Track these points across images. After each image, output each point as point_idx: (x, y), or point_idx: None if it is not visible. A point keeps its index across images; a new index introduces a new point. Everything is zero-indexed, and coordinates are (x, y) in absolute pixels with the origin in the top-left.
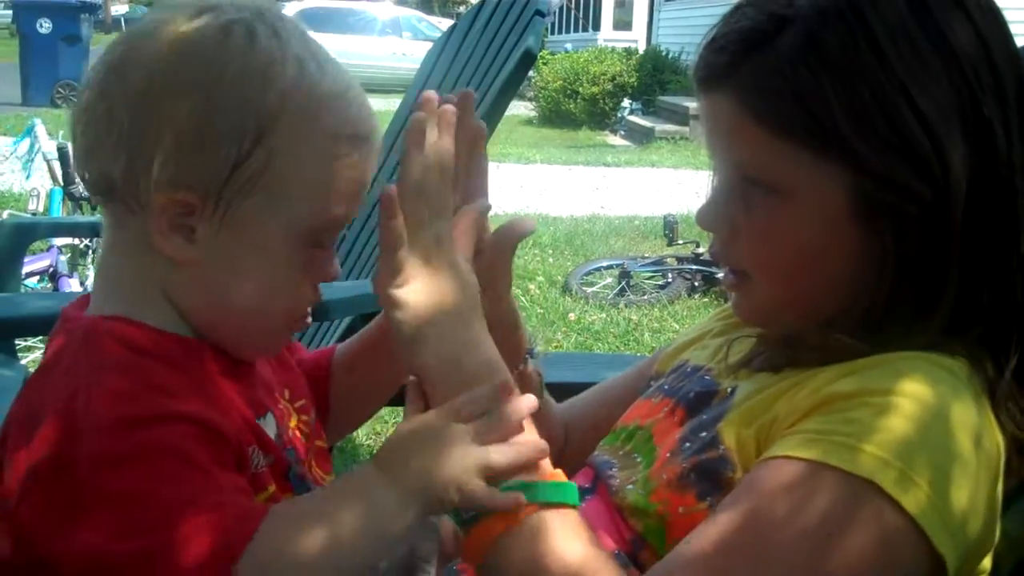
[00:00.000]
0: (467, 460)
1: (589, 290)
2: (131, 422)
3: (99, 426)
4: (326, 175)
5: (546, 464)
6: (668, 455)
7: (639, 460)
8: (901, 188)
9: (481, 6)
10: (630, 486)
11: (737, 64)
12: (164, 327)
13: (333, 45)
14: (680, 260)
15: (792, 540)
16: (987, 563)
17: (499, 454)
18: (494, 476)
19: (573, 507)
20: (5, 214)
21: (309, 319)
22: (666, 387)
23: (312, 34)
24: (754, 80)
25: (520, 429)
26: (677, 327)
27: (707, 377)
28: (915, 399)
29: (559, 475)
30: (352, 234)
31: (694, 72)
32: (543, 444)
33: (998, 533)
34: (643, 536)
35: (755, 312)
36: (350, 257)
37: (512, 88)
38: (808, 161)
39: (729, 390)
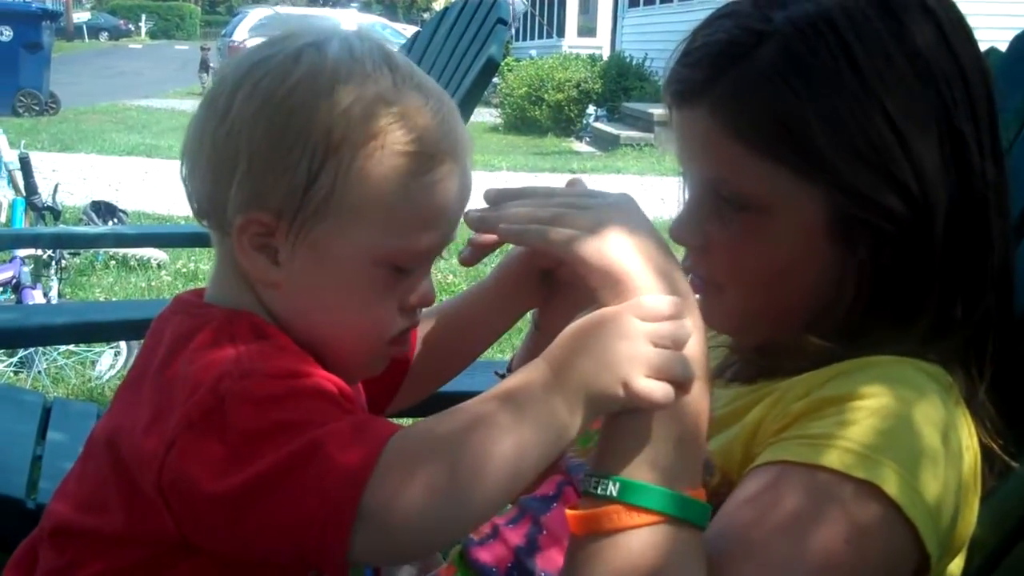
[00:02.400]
0: (639, 353)
1: None
2: (282, 374)
3: (251, 375)
4: (400, 197)
5: (695, 478)
6: None
7: None
8: (879, 205)
9: (444, 14)
10: None
11: (714, 79)
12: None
13: None
14: None
15: (784, 544)
16: (957, 566)
17: (675, 360)
18: (659, 378)
19: (701, 528)
20: None
21: (405, 345)
22: None
23: None
24: (731, 95)
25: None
26: None
27: None
28: (885, 399)
29: (701, 493)
30: None
31: (667, 86)
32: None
33: (968, 536)
34: None
35: (728, 321)
36: None
37: (476, 96)
38: (785, 177)
39: None
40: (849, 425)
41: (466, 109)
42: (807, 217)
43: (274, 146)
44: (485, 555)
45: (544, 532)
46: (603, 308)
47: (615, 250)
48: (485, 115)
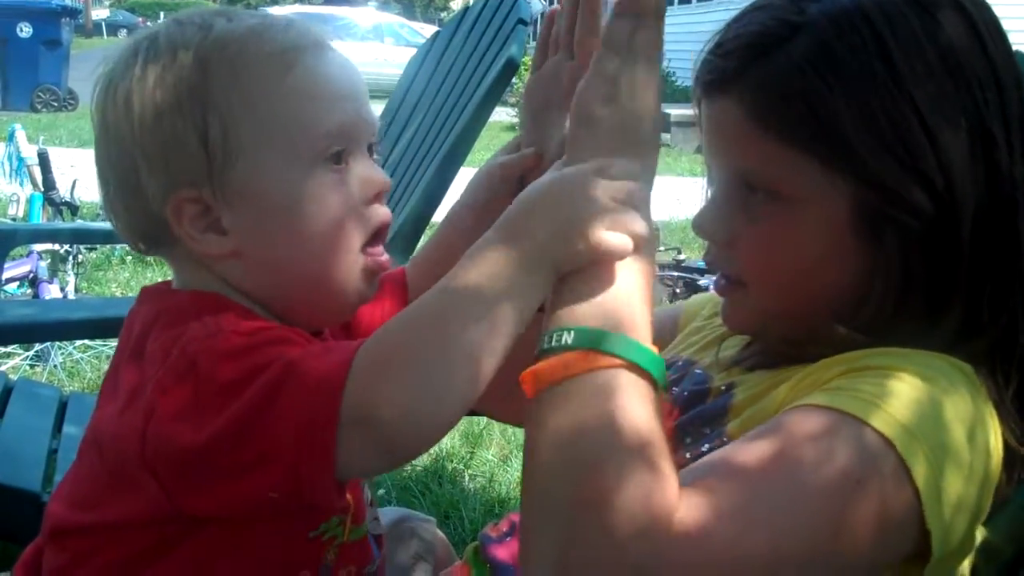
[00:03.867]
0: (598, 207)
1: None
2: (248, 331)
3: (217, 334)
4: (283, 99)
5: (643, 327)
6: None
7: None
8: (905, 201)
9: (464, 14)
10: None
11: (745, 69)
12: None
13: None
14: (661, 267)
15: (818, 486)
16: (965, 568)
17: (632, 215)
18: (624, 231)
19: (655, 382)
20: None
21: (382, 253)
22: None
23: None
24: (762, 86)
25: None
26: (691, 302)
27: (698, 371)
28: (920, 378)
29: (655, 349)
30: None
31: (698, 76)
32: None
33: (978, 539)
34: None
35: (746, 322)
36: None
37: (495, 96)
38: (814, 170)
39: (724, 386)
40: (893, 395)
41: (486, 109)
42: (834, 211)
43: (157, 129)
44: (502, 552)
45: None
46: (568, 168)
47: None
48: (501, 114)
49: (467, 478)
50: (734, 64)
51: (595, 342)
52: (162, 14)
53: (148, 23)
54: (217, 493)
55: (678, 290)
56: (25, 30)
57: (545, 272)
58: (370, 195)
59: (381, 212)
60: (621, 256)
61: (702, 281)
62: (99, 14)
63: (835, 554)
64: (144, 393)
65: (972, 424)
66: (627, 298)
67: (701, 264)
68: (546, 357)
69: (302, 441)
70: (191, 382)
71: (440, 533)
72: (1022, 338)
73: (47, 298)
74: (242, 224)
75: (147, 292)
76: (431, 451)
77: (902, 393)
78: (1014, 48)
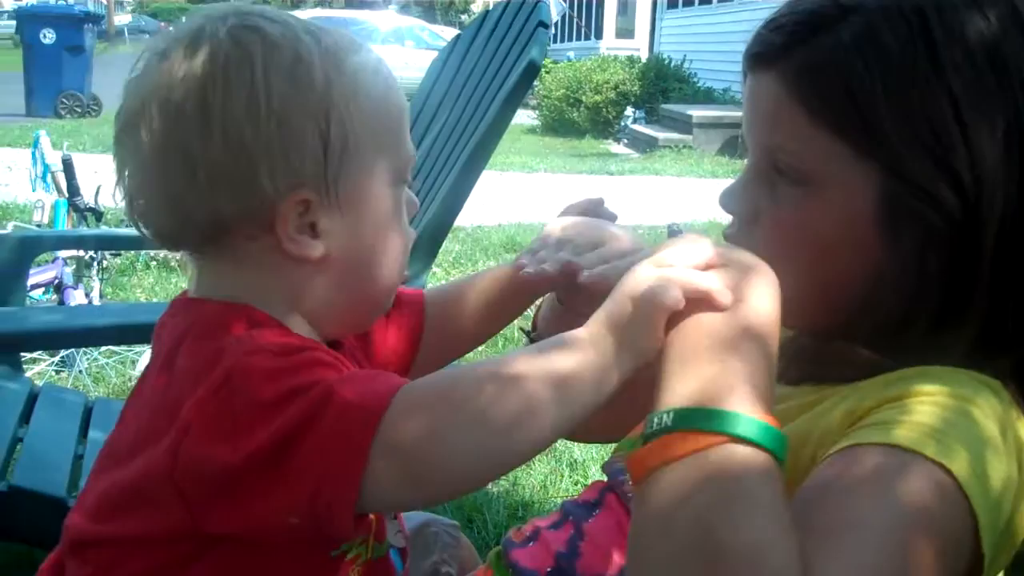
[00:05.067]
0: (641, 278)
1: None
2: (285, 350)
3: (255, 352)
4: (386, 114)
5: (757, 404)
6: None
7: None
8: (931, 196)
9: (485, 17)
10: None
11: (791, 46)
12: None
13: None
14: None
15: (858, 513)
16: None
17: (677, 271)
18: (656, 299)
19: (777, 458)
20: (10, 226)
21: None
22: None
23: None
24: (805, 64)
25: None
26: None
27: None
28: (944, 396)
29: (771, 419)
30: None
31: (747, 50)
32: (722, 289)
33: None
34: None
35: None
36: None
37: (516, 99)
38: (843, 154)
39: None
40: (913, 413)
41: (507, 112)
42: (858, 197)
43: (285, 128)
44: (525, 558)
45: (585, 539)
46: None
47: None
48: (523, 117)
49: (491, 483)
50: (781, 39)
51: (693, 420)
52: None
53: (170, 28)
54: (240, 514)
55: None
56: (48, 36)
57: (613, 350)
58: (410, 216)
59: (412, 232)
60: (672, 307)
61: None
62: (120, 19)
63: None
64: (178, 412)
65: (1003, 425)
66: (730, 367)
67: None
68: (648, 442)
69: (332, 464)
70: (228, 401)
71: (464, 537)
72: None
73: (72, 304)
74: (337, 228)
75: (177, 303)
76: None
77: (922, 410)
78: None
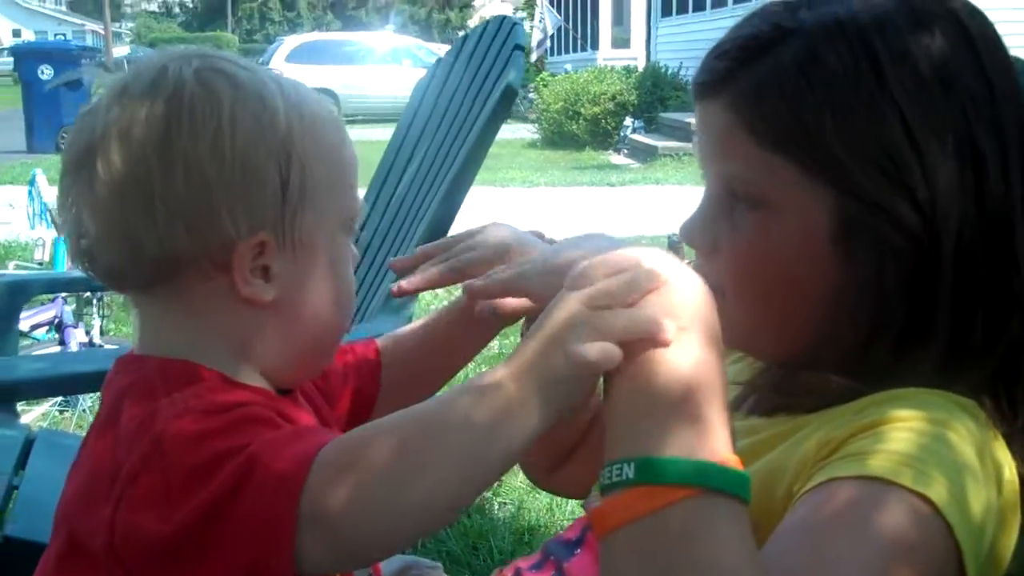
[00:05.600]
0: (572, 319)
1: None
2: (217, 409)
3: (185, 414)
4: (340, 162)
5: (718, 443)
6: None
7: None
8: (886, 213)
9: (463, 41)
10: None
11: (735, 72)
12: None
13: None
14: None
15: (835, 550)
16: None
17: (609, 315)
18: (602, 340)
19: (742, 501)
20: (11, 265)
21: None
22: None
23: (312, 67)
24: (750, 88)
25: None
26: None
27: None
28: (919, 421)
29: (732, 460)
30: None
31: (694, 79)
32: (665, 323)
33: (1004, 568)
34: None
35: (727, 334)
36: None
37: (497, 122)
38: (795, 176)
39: None
40: (888, 441)
41: (488, 135)
42: (814, 220)
43: (247, 169)
44: None
45: None
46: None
47: None
48: (522, 131)
49: (496, 506)
50: (725, 65)
51: (654, 473)
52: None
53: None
54: None
55: None
56: (47, 72)
57: (544, 396)
58: (353, 266)
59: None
60: (605, 367)
61: None
62: (119, 51)
63: None
64: (116, 479)
65: (980, 448)
66: (678, 405)
67: None
68: (608, 495)
69: (262, 538)
70: (158, 470)
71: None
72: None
73: (72, 343)
74: (289, 273)
75: (120, 361)
76: None
77: (896, 438)
78: (1013, 55)
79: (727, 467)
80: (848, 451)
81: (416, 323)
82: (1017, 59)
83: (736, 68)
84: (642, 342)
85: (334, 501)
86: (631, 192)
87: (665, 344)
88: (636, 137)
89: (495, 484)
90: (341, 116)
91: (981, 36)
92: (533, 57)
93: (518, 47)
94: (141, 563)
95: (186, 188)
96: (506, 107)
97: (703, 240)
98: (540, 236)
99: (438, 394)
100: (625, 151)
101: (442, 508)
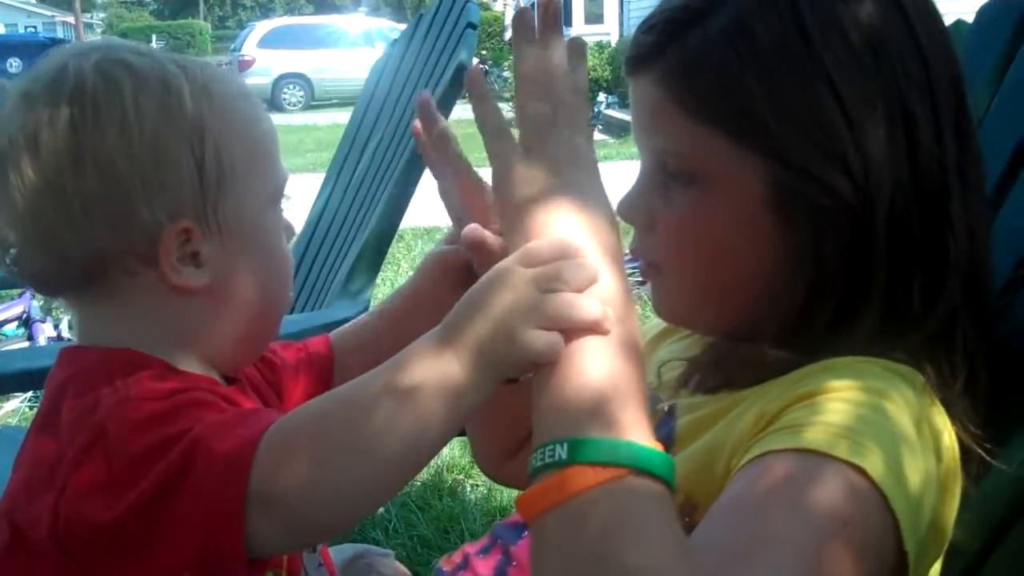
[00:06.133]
0: (522, 303)
1: None
2: (160, 395)
3: (127, 401)
4: (257, 137)
5: (646, 431)
6: None
7: None
8: (819, 181)
9: (418, 21)
10: None
11: (663, 44)
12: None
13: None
14: None
15: (769, 527)
16: (936, 571)
17: (559, 303)
18: (549, 327)
19: (666, 484)
20: None
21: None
22: None
23: (285, 52)
24: (678, 62)
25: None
26: (652, 324)
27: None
28: (855, 391)
29: (658, 446)
30: (305, 266)
31: (625, 54)
32: (608, 313)
33: (946, 544)
34: None
35: (670, 309)
36: (304, 289)
37: (450, 101)
38: (726, 148)
39: (667, 408)
40: (824, 412)
41: (442, 113)
42: (747, 190)
43: (156, 155)
44: None
45: (514, 563)
46: (496, 265)
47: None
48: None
49: (468, 489)
50: (653, 39)
51: (585, 453)
52: (154, 37)
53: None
54: (131, 570)
55: None
56: (15, 65)
57: (484, 373)
58: (287, 240)
59: (290, 255)
60: (551, 357)
61: None
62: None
63: None
64: (59, 468)
65: (918, 419)
66: (612, 392)
67: None
68: (536, 479)
69: (211, 521)
70: (101, 456)
71: (400, 566)
72: (961, 329)
73: (40, 338)
74: (220, 256)
75: (63, 353)
76: (431, 464)
77: (832, 409)
78: (957, 17)
79: (656, 450)
80: (783, 423)
81: (371, 314)
82: (961, 21)
83: (665, 42)
84: (582, 331)
85: (284, 480)
86: (606, 168)
87: (605, 333)
88: (610, 113)
89: (466, 467)
90: (252, 91)
91: (911, 2)
92: (507, 35)
93: (470, 25)
94: (87, 550)
95: (99, 185)
96: (458, 87)
97: (639, 216)
98: None
99: (385, 364)
100: (599, 127)
101: (390, 482)
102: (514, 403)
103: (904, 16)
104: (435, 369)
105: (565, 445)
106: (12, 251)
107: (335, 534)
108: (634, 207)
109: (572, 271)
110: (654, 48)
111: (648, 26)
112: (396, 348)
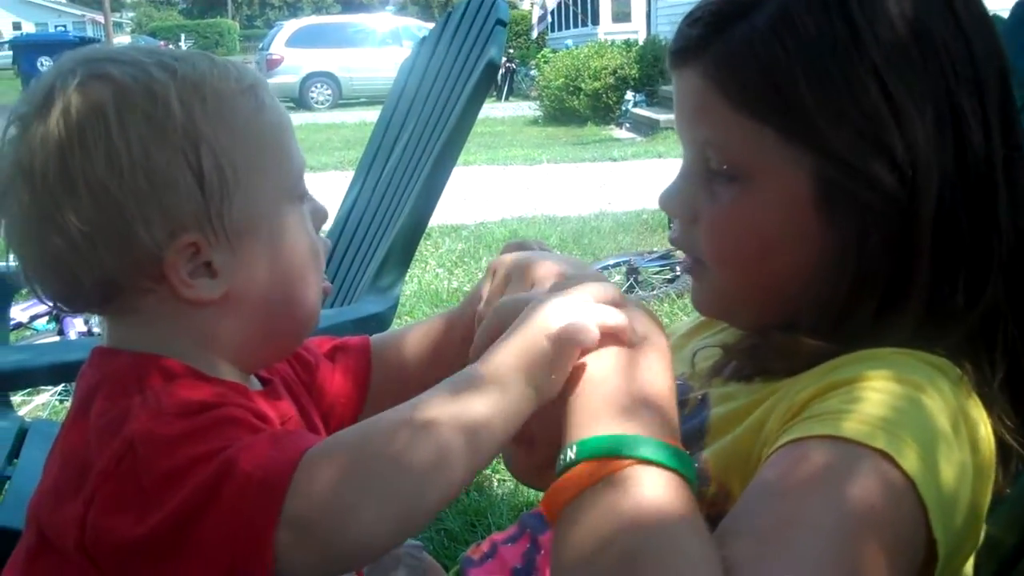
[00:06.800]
0: (559, 308)
1: None
2: (192, 410)
3: (159, 416)
4: (260, 133)
5: (655, 423)
6: None
7: None
8: (865, 176)
9: (447, 18)
10: None
11: (709, 38)
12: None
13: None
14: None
15: (803, 512)
16: (969, 568)
17: (588, 303)
18: (575, 338)
19: (678, 473)
20: (12, 258)
21: (329, 284)
22: None
23: (312, 51)
24: (724, 54)
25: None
26: (687, 320)
27: (679, 382)
28: (892, 382)
29: (679, 446)
30: (334, 262)
31: (669, 47)
32: (632, 327)
33: (982, 535)
34: None
35: (709, 303)
36: (335, 281)
37: (479, 98)
38: (772, 141)
39: (700, 397)
40: (861, 401)
41: (471, 111)
42: (792, 186)
43: (148, 173)
44: None
45: (542, 552)
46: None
47: None
48: (524, 108)
49: (495, 484)
50: (698, 32)
51: (599, 450)
52: (183, 36)
53: (170, 46)
54: None
55: None
56: (46, 64)
57: (523, 381)
58: (318, 226)
59: (326, 241)
60: (591, 345)
61: None
62: (121, 40)
63: None
64: (87, 478)
65: (954, 415)
66: (633, 396)
67: None
68: (558, 479)
69: (239, 543)
70: (131, 472)
71: (428, 558)
72: (1003, 326)
73: (71, 332)
74: (234, 262)
75: (95, 354)
76: None
77: (869, 399)
78: (992, 13)
79: (672, 446)
80: (818, 410)
81: (406, 327)
82: (997, 17)
83: (710, 35)
84: (607, 339)
85: (319, 507)
86: (633, 166)
87: (630, 346)
88: (638, 111)
89: (493, 462)
90: (254, 82)
91: None
92: (534, 34)
93: (500, 22)
94: (115, 564)
95: (95, 210)
96: (488, 83)
97: (682, 210)
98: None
99: (429, 394)
100: (627, 125)
101: (423, 514)
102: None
103: (951, 10)
104: (473, 395)
105: (574, 447)
106: (29, 270)
107: (367, 563)
108: (676, 200)
109: (600, 291)
110: (700, 41)
111: (693, 19)
112: (431, 367)
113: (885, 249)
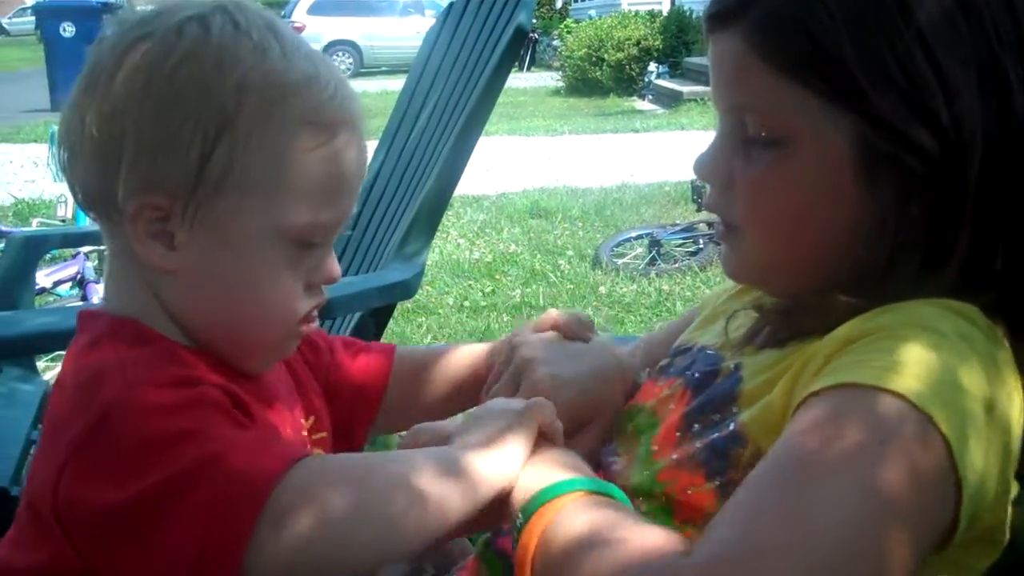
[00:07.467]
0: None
1: (619, 261)
2: (169, 382)
3: (136, 385)
4: (300, 169)
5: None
6: (677, 435)
7: (642, 441)
8: (909, 141)
9: None
10: (635, 467)
11: (748, 1)
12: (166, 334)
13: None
14: (710, 225)
15: (836, 458)
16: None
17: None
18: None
19: (614, 497)
20: (35, 222)
21: (315, 323)
22: (671, 369)
23: (334, 20)
24: (764, 16)
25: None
26: (710, 293)
27: (710, 352)
28: (917, 329)
29: (573, 473)
30: (359, 229)
31: (705, 12)
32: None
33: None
34: (649, 517)
35: (743, 269)
36: (348, 250)
37: (507, 65)
38: (812, 104)
39: (733, 366)
40: (904, 351)
41: (499, 78)
42: (833, 149)
43: (163, 125)
44: (511, 546)
45: None
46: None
47: None
48: (547, 79)
49: None
50: None
51: (542, 496)
52: None
53: None
54: (127, 558)
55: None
56: (68, 30)
57: (494, 468)
58: (320, 282)
59: (323, 297)
60: (544, 419)
61: None
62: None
63: (879, 534)
64: (60, 442)
65: (991, 397)
66: (537, 462)
67: None
68: (518, 547)
69: (213, 534)
70: (106, 440)
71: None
72: None
73: (94, 298)
74: (194, 251)
75: (79, 317)
76: None
77: (912, 356)
78: None
79: (569, 477)
80: (840, 362)
81: (434, 349)
82: None
83: None
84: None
85: (295, 523)
86: (656, 138)
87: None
88: (661, 82)
89: None
90: (351, 111)
91: None
92: (558, 3)
93: None
94: (85, 532)
95: (108, 120)
96: (516, 50)
97: (717, 175)
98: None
99: (424, 453)
100: (650, 97)
101: (393, 556)
102: None
103: None
104: (462, 468)
105: (520, 514)
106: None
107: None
108: (711, 166)
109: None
110: (739, 3)
111: None
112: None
113: (926, 215)
